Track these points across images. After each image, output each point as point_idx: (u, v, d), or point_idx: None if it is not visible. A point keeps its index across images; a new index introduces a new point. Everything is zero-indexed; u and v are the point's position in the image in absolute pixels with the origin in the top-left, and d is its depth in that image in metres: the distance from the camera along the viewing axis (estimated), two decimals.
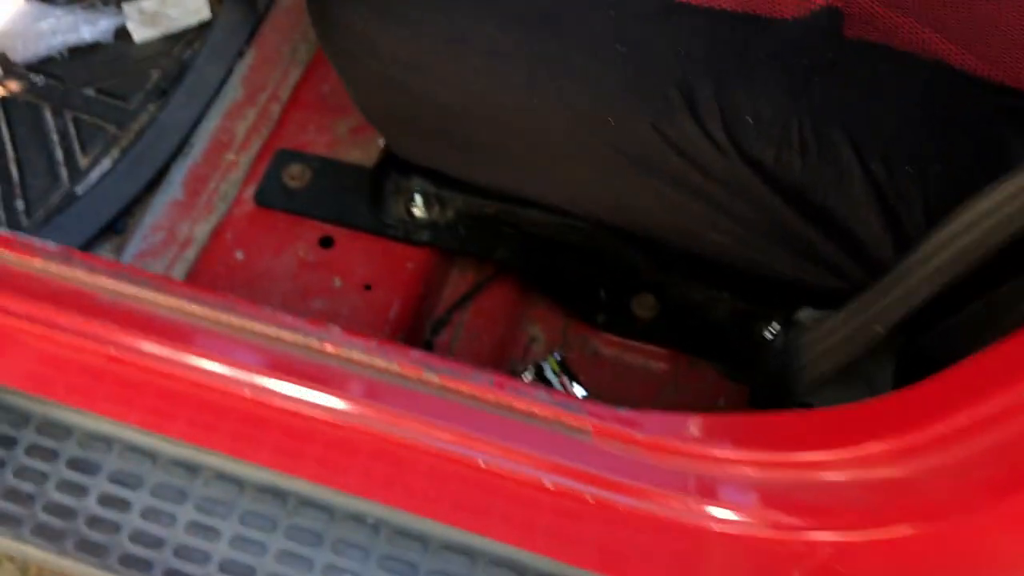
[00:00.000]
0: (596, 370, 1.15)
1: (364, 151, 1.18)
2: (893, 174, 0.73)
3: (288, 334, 0.88)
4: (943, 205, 0.74)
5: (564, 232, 1.09)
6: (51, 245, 0.93)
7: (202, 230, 1.20)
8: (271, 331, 0.88)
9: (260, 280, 1.08)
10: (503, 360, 1.14)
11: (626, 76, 0.74)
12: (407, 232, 1.10)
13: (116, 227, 1.25)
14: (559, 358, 1.14)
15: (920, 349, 0.81)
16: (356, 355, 0.88)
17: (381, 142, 1.18)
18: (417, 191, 1.08)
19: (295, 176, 1.14)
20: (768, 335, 1.09)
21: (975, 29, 0.79)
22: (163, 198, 1.23)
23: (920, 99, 0.74)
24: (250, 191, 1.16)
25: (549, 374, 1.12)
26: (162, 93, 1.39)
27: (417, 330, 1.11)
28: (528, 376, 1.12)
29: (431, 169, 1.10)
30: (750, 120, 0.73)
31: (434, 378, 0.87)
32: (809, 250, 0.80)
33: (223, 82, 1.35)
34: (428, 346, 1.11)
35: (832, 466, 0.67)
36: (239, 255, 1.10)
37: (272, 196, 1.13)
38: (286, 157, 1.15)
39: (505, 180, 0.90)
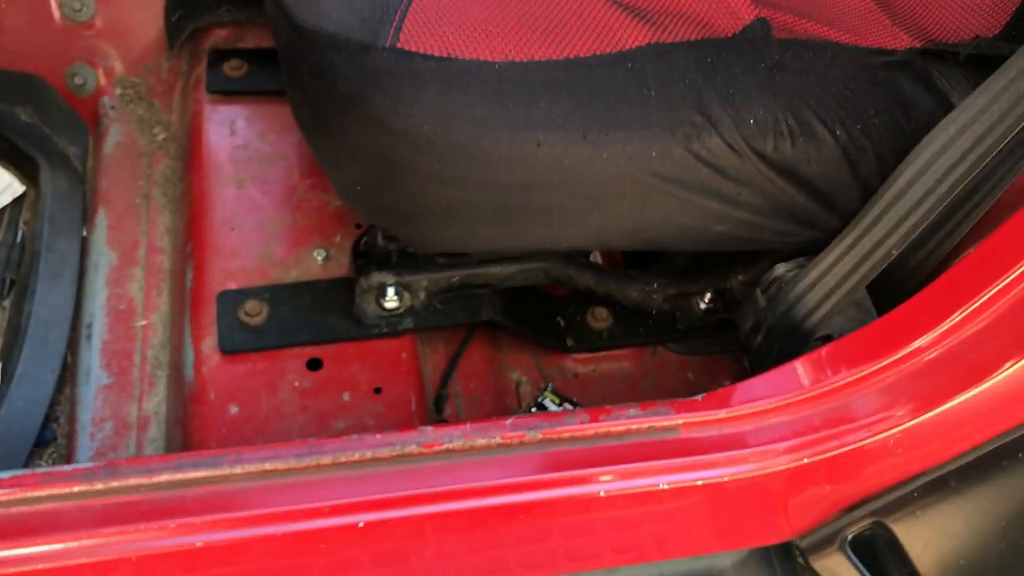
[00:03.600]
0: (582, 388, 1.24)
1: (304, 266, 1.17)
2: (850, 134, 0.93)
3: (384, 451, 0.88)
4: (885, 148, 0.95)
5: (525, 276, 1.17)
6: (84, 465, 0.84)
7: (154, 404, 1.12)
8: (367, 455, 0.88)
9: (271, 423, 1.04)
10: (505, 411, 1.20)
11: (659, 114, 0.86)
12: (390, 327, 1.11)
13: (45, 437, 1.12)
14: (552, 389, 1.22)
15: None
16: (457, 444, 0.90)
17: (319, 255, 1.18)
18: (388, 284, 1.10)
19: (253, 313, 1.10)
20: (701, 305, 1.25)
21: (836, 14, 1.01)
22: (88, 389, 1.13)
23: (838, 73, 0.94)
24: (206, 344, 1.10)
25: (552, 407, 1.20)
26: (11, 285, 1.25)
27: (429, 413, 1.13)
28: None
29: (385, 260, 1.13)
30: (752, 121, 0.88)
31: (537, 435, 0.91)
32: (795, 213, 0.97)
33: (84, 253, 1.25)
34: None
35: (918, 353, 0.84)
36: (234, 409, 1.05)
37: (238, 340, 1.09)
38: (232, 298, 1.11)
39: (541, 239, 0.96)
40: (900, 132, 0.94)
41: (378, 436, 0.89)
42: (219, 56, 1.36)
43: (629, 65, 0.86)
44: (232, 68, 1.34)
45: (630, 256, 1.29)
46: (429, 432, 0.90)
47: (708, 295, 1.23)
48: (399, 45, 0.83)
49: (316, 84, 0.87)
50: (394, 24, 0.83)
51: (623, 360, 1.26)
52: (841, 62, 0.95)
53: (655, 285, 1.23)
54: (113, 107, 1.36)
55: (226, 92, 1.33)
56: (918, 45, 1.01)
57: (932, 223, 0.90)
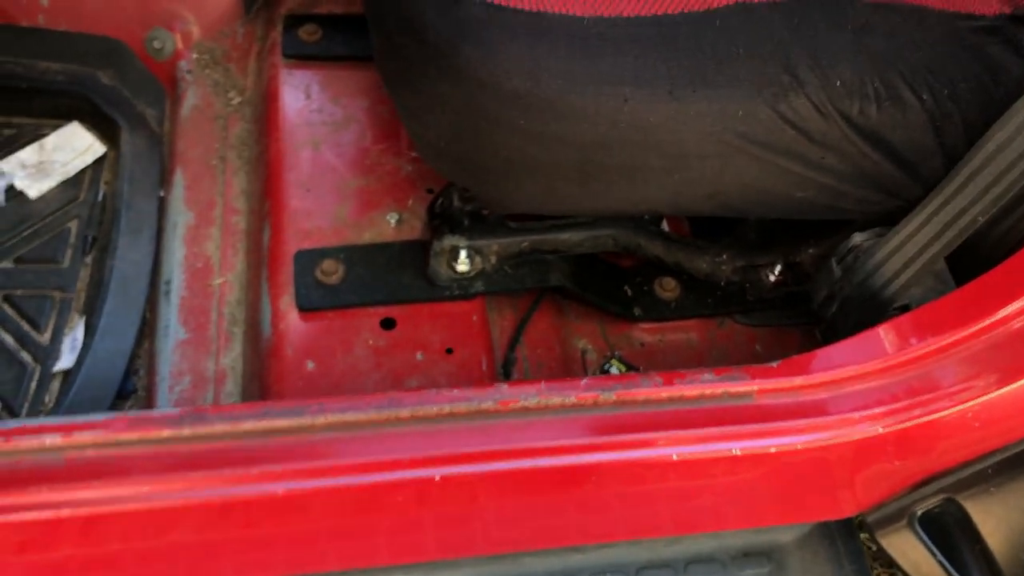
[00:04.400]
0: (648, 357, 1.24)
1: (377, 229, 1.18)
2: (936, 100, 0.91)
3: (462, 406, 0.89)
4: (972, 114, 0.93)
5: (594, 243, 1.17)
6: (171, 411, 0.87)
7: (231, 360, 1.14)
8: (445, 409, 0.89)
9: (347, 379, 1.06)
10: (572, 377, 1.20)
11: (746, 72, 0.86)
12: (462, 289, 1.12)
13: (127, 388, 1.15)
14: (619, 357, 1.22)
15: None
16: (532, 402, 0.91)
17: (392, 217, 1.19)
18: (460, 247, 1.11)
19: (329, 272, 1.12)
20: (771, 277, 1.24)
21: None
22: (167, 343, 1.15)
23: (926, 37, 0.92)
24: (284, 301, 1.12)
25: (618, 374, 1.20)
26: (93, 241, 1.28)
27: (498, 376, 1.14)
28: None
29: (458, 223, 1.13)
30: (839, 83, 0.87)
31: (611, 396, 0.92)
32: (878, 180, 0.95)
33: (162, 212, 1.28)
34: None
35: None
36: (310, 365, 1.07)
37: (315, 298, 1.10)
38: (309, 257, 1.13)
39: (619, 200, 0.96)
40: (988, 98, 0.92)
41: (456, 391, 0.90)
42: (294, 21, 1.37)
43: (717, 22, 0.85)
44: (307, 33, 1.36)
45: (699, 228, 1.28)
46: (505, 389, 0.91)
47: (778, 268, 1.22)
48: None
49: (405, 36, 0.87)
50: None
51: (690, 331, 1.25)
52: (929, 26, 0.93)
53: (724, 256, 1.22)
54: (190, 71, 1.39)
55: (301, 56, 1.35)
56: (1008, 11, 0.99)
57: (1019, 192, 0.88)
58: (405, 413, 0.88)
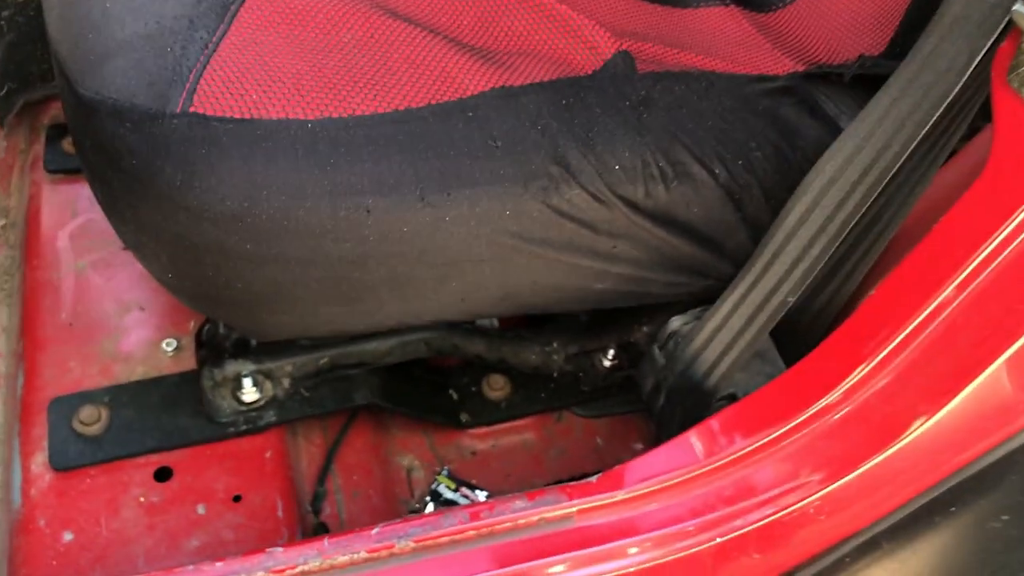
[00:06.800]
0: (482, 467, 1.12)
1: (151, 361, 1.04)
2: (731, 172, 0.83)
3: None
4: (771, 183, 0.86)
5: (404, 351, 1.06)
6: None
7: None
8: None
9: (113, 549, 0.90)
10: (394, 503, 1.07)
11: (508, 167, 0.75)
12: (249, 423, 0.99)
13: None
14: (447, 473, 1.10)
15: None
16: (312, 565, 0.77)
17: (168, 345, 1.05)
18: (243, 374, 0.98)
19: (89, 420, 0.96)
20: (605, 363, 1.15)
21: (710, 42, 0.93)
22: None
23: (713, 105, 0.85)
24: (36, 461, 0.96)
25: (448, 493, 1.08)
26: None
27: (304, 518, 1.00)
28: (430, 506, 1.07)
29: (241, 346, 1.00)
30: (617, 167, 0.78)
31: (408, 544, 0.79)
32: (681, 263, 0.87)
33: None
34: (323, 528, 1.00)
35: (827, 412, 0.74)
36: (68, 536, 0.91)
37: (72, 454, 0.95)
38: (66, 405, 0.97)
39: (397, 315, 0.85)
40: (787, 165, 0.85)
41: (218, 564, 0.76)
42: (59, 132, 1.23)
43: (470, 113, 0.75)
44: (72, 144, 1.21)
45: (523, 316, 1.18)
46: (278, 554, 0.77)
47: (611, 351, 1.13)
48: (192, 109, 0.71)
49: (101, 160, 0.75)
50: (187, 86, 0.72)
51: (526, 431, 1.15)
52: (716, 93, 0.86)
53: (554, 345, 1.13)
54: None
55: (67, 170, 1.20)
56: (801, 69, 0.93)
57: (829, 264, 0.80)
58: None
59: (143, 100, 0.72)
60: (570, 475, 1.11)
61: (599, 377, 1.14)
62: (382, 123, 0.74)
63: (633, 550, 0.77)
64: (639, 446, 1.16)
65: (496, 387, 1.14)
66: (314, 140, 0.72)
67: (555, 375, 1.14)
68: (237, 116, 0.71)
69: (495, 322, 1.16)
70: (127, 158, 0.71)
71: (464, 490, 1.09)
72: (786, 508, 0.79)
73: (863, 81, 0.91)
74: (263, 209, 0.71)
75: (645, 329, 1.09)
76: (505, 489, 1.10)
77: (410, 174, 0.73)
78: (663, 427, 0.96)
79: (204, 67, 0.73)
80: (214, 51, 0.73)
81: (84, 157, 0.79)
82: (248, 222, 0.72)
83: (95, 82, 0.74)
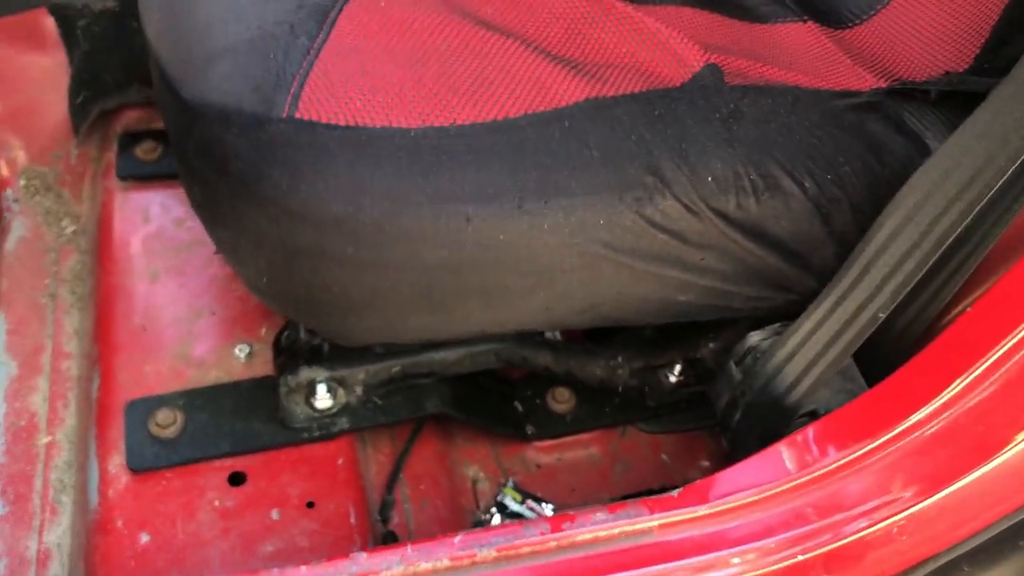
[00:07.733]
0: (546, 480, 1.12)
1: (224, 366, 1.04)
2: (820, 186, 0.83)
3: None
4: (860, 198, 0.86)
5: (473, 361, 1.06)
6: None
7: (57, 536, 0.97)
8: None
9: (189, 551, 0.90)
10: (461, 514, 1.07)
11: (604, 177, 0.76)
12: (323, 429, 0.99)
13: None
14: (513, 485, 1.10)
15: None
16: (395, 571, 0.77)
17: (241, 351, 1.05)
18: (317, 381, 0.98)
19: (164, 423, 0.97)
20: (671, 378, 1.14)
21: (792, 57, 0.93)
22: None
23: (801, 120, 0.85)
24: (113, 462, 0.97)
25: (514, 505, 1.07)
26: None
27: (374, 527, 1.00)
28: (496, 517, 1.06)
29: (315, 353, 1.01)
30: (710, 179, 0.78)
31: (491, 553, 0.79)
32: (767, 276, 0.86)
33: None
34: (391, 537, 1.00)
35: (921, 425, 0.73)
36: (145, 538, 0.91)
37: (149, 456, 0.95)
38: (142, 407, 0.98)
39: (482, 324, 0.85)
40: (875, 180, 0.85)
41: (302, 569, 0.76)
42: (131, 139, 1.25)
43: (566, 124, 0.76)
44: (145, 151, 1.23)
45: (591, 329, 1.18)
46: (362, 560, 0.77)
47: (678, 367, 1.13)
48: (297, 115, 0.72)
49: (205, 164, 0.76)
50: (291, 91, 0.73)
51: (590, 445, 1.14)
52: (803, 107, 0.86)
53: (619, 359, 1.12)
54: (17, 200, 1.24)
55: (139, 176, 1.22)
56: (883, 85, 0.93)
57: (921, 279, 0.80)
58: None
59: (249, 105, 0.72)
60: (636, 491, 1.11)
61: (665, 392, 1.13)
62: (482, 132, 0.74)
63: (735, 560, 0.76)
64: (706, 463, 1.15)
65: (561, 400, 1.14)
66: (417, 148, 0.72)
67: (620, 389, 1.13)
68: (342, 123, 0.72)
69: (558, 335, 1.16)
70: (233, 162, 0.72)
71: (530, 503, 1.08)
72: (875, 524, 0.77)
73: (946, 97, 0.91)
74: (366, 214, 0.72)
75: (712, 345, 1.08)
76: (570, 503, 1.10)
77: (510, 183, 0.73)
78: (738, 443, 0.95)
79: (307, 73, 0.74)
80: (316, 57, 0.74)
81: (184, 161, 0.80)
82: (351, 226, 0.72)
83: (200, 86, 0.75)
